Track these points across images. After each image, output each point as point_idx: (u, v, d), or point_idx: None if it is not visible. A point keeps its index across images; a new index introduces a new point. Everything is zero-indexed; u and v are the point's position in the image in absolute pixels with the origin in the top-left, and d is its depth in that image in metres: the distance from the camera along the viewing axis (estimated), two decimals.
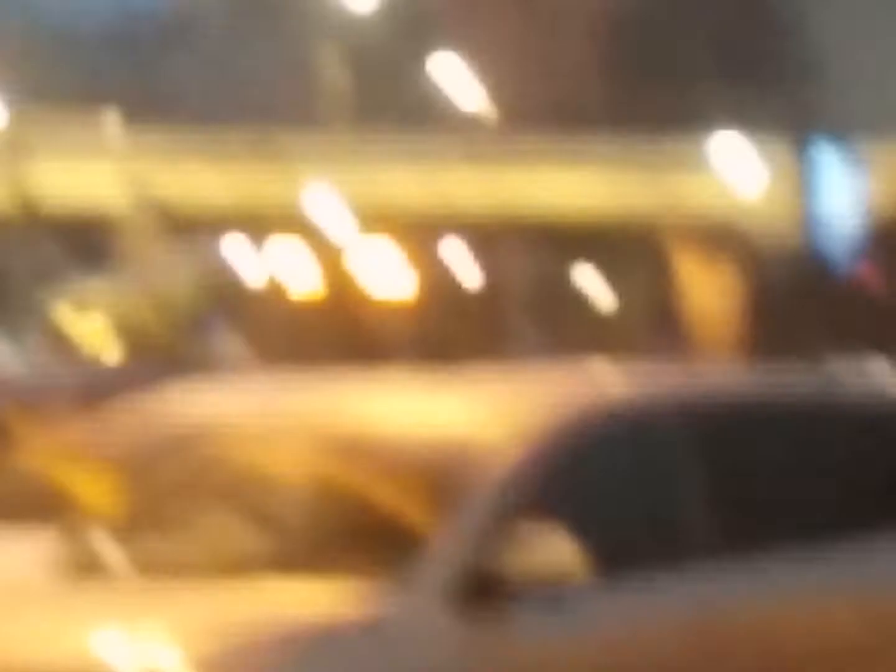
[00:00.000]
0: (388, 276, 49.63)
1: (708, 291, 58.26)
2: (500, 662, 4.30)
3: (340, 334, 46.63)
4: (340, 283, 48.58)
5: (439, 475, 4.85)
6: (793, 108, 68.68)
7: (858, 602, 5.28)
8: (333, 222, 57.75)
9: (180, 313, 50.56)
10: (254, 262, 50.86)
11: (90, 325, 52.95)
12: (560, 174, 65.58)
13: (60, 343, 49.22)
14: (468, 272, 55.93)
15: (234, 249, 56.62)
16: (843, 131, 64.35)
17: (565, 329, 51.75)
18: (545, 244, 55.08)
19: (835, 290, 56.89)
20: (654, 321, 53.74)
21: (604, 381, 6.31)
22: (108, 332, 52.28)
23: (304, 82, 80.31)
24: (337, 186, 60.60)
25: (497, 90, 73.59)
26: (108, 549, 5.21)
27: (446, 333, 44.01)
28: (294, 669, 4.04)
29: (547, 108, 72.23)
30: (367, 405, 5.79)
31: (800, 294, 56.86)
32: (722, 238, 60.97)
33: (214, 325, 47.89)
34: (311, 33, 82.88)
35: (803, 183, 61.19)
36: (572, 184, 65.26)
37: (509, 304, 45.49)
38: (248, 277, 48.57)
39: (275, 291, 47.98)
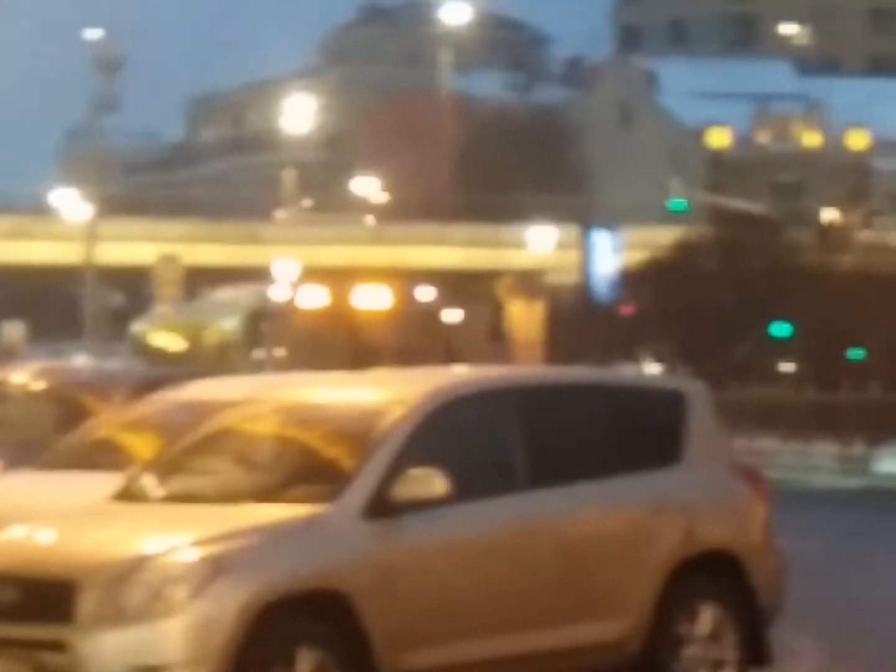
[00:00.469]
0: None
1: (526, 318, 58.99)
2: (392, 551, 4.41)
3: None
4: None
5: (359, 434, 4.82)
6: (579, 206, 69.89)
7: (617, 512, 5.29)
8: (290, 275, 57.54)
9: (228, 334, 49.46)
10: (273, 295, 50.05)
11: (161, 342, 51.46)
12: (433, 248, 66.27)
13: (141, 356, 47.49)
14: (377, 306, 55.82)
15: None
16: (608, 221, 65.87)
17: (441, 340, 51.84)
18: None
19: (603, 317, 58.08)
20: (492, 336, 54.17)
21: (459, 375, 6.34)
22: (174, 346, 50.54)
23: (274, 192, 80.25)
24: (294, 256, 60.73)
25: (394, 194, 74.29)
26: (151, 485, 5.08)
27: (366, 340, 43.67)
28: (262, 544, 4.14)
29: (425, 205, 72.95)
30: (314, 392, 5.76)
31: (581, 319, 58.12)
32: (536, 287, 61.81)
33: (259, 340, 46.82)
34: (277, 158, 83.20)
35: (585, 253, 62.38)
36: (441, 254, 66.04)
37: (405, 324, 45.08)
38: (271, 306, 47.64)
39: (291, 314, 47.25)
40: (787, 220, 62.03)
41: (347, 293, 47.50)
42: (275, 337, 45.58)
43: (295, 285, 50.71)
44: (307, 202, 78.76)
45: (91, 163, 68.25)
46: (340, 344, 42.04)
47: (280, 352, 44.64)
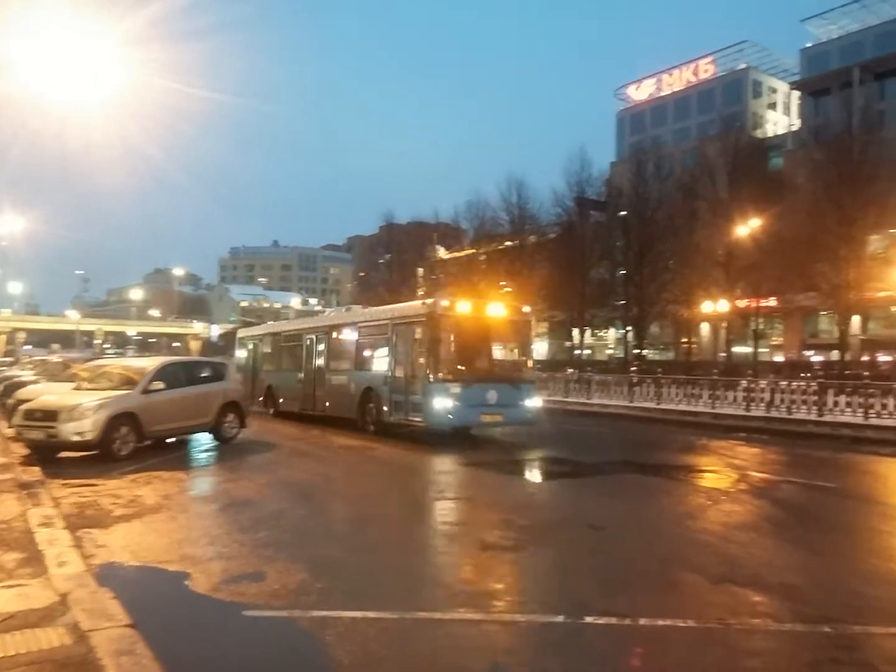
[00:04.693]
0: None
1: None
2: (147, 401, 14.46)
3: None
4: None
5: (141, 371, 14.95)
6: None
7: (209, 389, 16.10)
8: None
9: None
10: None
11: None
12: None
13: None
14: None
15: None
16: None
17: None
18: None
19: None
20: None
21: (170, 357, 19.23)
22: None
23: None
24: None
25: None
26: (83, 384, 15.55)
27: None
28: (113, 400, 13.94)
29: None
30: (132, 361, 18.02)
31: None
32: None
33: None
34: None
35: None
36: None
37: None
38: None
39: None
40: None
41: None
42: None
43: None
44: None
45: None
46: None
47: None
